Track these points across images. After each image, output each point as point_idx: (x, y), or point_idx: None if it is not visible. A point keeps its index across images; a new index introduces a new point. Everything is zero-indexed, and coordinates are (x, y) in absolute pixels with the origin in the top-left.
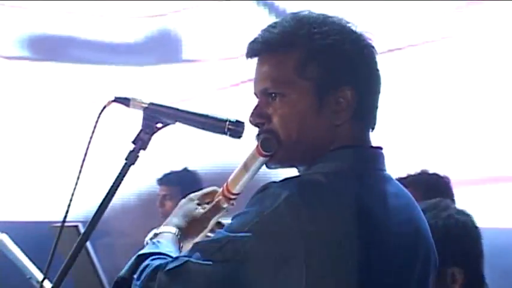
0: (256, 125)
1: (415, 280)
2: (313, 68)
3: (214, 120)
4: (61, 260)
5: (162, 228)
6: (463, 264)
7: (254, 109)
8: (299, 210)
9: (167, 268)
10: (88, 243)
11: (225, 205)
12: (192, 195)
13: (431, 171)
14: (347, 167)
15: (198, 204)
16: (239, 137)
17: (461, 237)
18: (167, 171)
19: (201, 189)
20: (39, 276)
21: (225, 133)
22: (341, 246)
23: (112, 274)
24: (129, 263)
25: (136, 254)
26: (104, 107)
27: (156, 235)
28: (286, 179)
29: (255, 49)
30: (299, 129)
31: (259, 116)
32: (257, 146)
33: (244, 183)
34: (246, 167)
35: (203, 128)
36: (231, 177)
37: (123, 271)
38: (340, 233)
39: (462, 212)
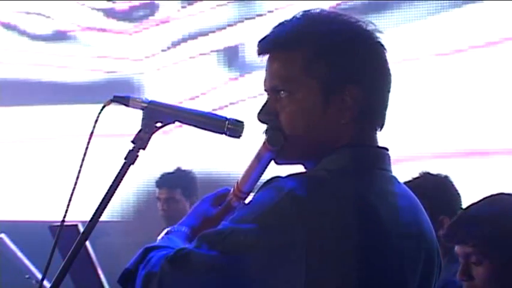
0: (264, 122)
1: (417, 280)
2: (320, 67)
3: (214, 120)
4: (61, 260)
5: (174, 227)
6: None
7: (263, 106)
8: (302, 204)
9: (170, 257)
10: (88, 243)
11: (236, 204)
12: (205, 196)
13: (434, 172)
14: (351, 165)
15: (212, 205)
16: (238, 136)
17: None
18: (159, 172)
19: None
20: (39, 275)
21: (224, 132)
22: (343, 240)
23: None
24: (136, 255)
25: (144, 247)
26: (103, 107)
27: (168, 233)
28: (291, 174)
29: (265, 47)
30: (305, 126)
31: (267, 113)
32: (264, 141)
33: (253, 180)
34: (254, 164)
35: (203, 128)
36: (241, 176)
37: (130, 263)
38: (341, 228)
39: None
